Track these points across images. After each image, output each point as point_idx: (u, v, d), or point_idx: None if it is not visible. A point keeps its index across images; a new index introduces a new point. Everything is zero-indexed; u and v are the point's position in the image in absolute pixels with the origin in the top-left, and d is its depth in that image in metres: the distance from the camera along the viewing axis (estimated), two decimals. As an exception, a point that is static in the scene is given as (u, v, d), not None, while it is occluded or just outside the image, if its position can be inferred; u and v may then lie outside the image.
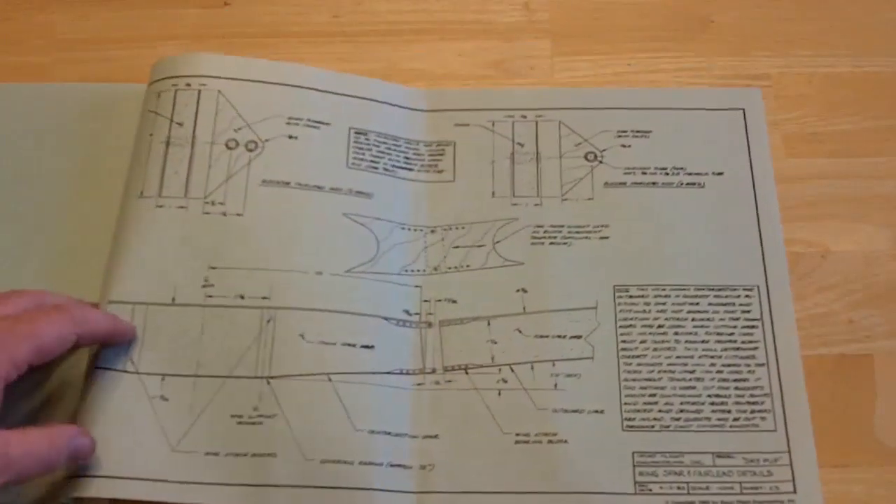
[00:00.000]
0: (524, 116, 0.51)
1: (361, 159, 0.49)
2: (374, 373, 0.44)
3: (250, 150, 0.48)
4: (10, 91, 0.53)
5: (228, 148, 0.48)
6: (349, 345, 0.44)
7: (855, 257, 0.48)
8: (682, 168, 0.50)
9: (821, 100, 0.53)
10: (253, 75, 0.49)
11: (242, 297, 0.45)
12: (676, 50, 0.54)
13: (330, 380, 0.44)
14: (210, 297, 0.45)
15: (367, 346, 0.45)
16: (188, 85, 0.49)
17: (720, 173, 0.50)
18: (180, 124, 0.48)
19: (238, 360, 0.44)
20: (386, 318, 0.46)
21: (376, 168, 0.49)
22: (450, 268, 0.48)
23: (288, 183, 0.47)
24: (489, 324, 0.46)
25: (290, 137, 0.48)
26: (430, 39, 0.55)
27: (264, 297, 0.45)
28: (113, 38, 0.54)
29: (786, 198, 0.50)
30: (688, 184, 0.49)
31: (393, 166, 0.50)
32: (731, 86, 0.53)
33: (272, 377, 0.43)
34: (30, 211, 0.49)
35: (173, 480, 0.41)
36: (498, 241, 0.48)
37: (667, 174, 0.50)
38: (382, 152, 0.50)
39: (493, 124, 0.51)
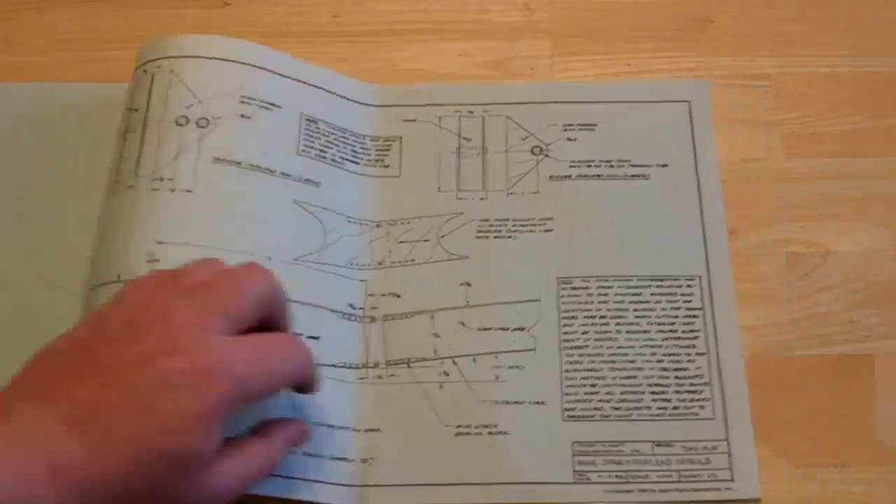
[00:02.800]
0: (471, 112, 0.51)
1: (311, 147, 0.49)
2: (319, 364, 0.44)
3: (201, 127, 0.47)
4: (10, 91, 0.53)
5: (178, 125, 0.47)
6: (296, 333, 0.44)
7: (855, 257, 0.48)
8: (626, 160, 0.50)
9: (821, 100, 0.53)
10: (206, 52, 0.48)
11: None
12: (676, 50, 0.54)
13: None
14: (155, 270, 0.43)
15: (313, 337, 0.44)
16: (144, 71, 0.48)
17: (665, 165, 0.50)
18: (136, 110, 0.47)
19: None
20: (331, 310, 0.46)
21: (325, 158, 0.49)
22: (394, 262, 0.48)
23: (240, 163, 0.46)
24: (433, 317, 0.46)
25: (243, 117, 0.47)
26: (430, 39, 0.55)
27: None
28: (113, 38, 0.54)
29: (786, 198, 0.50)
30: (632, 176, 0.50)
31: (341, 158, 0.50)
32: (732, 86, 0.53)
33: None
34: (30, 211, 0.49)
35: None
36: (443, 236, 0.48)
37: (611, 166, 0.50)
38: (331, 143, 0.50)
39: (440, 120, 0.51)
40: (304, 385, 0.40)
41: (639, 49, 0.54)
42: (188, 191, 0.45)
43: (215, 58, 0.48)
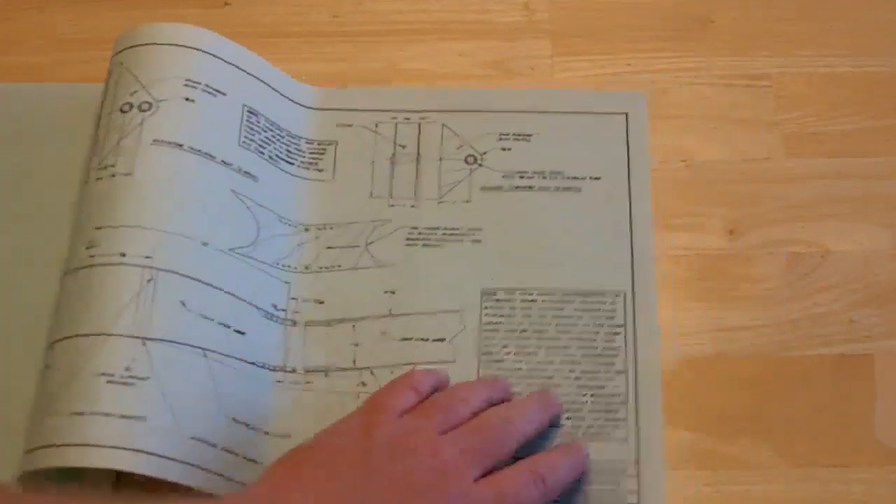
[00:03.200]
0: (408, 118, 0.51)
1: (251, 140, 0.48)
2: (243, 360, 0.44)
3: (143, 111, 0.46)
4: (10, 91, 0.53)
5: (122, 112, 0.46)
6: (225, 325, 0.44)
7: (855, 257, 0.48)
8: (559, 172, 0.50)
9: (821, 100, 0.53)
10: (152, 39, 0.48)
11: (124, 255, 0.43)
12: (676, 50, 0.54)
13: (205, 356, 0.43)
14: (92, 256, 0.43)
15: (239, 332, 0.44)
16: (108, 73, 0.49)
17: (598, 178, 0.50)
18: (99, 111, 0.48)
19: (114, 318, 0.42)
20: (257, 308, 0.45)
21: (263, 153, 0.49)
22: (321, 267, 0.48)
23: (181, 145, 0.46)
24: (354, 326, 0.46)
25: (187, 100, 0.47)
26: (430, 39, 0.55)
27: (147, 257, 0.43)
28: (113, 38, 0.54)
29: (786, 198, 0.50)
30: (564, 188, 0.49)
31: (277, 156, 0.49)
32: (732, 85, 0.53)
33: (149, 339, 0.41)
34: (30, 211, 0.49)
35: (42, 446, 0.39)
36: (371, 242, 0.48)
37: (544, 178, 0.50)
38: (269, 139, 0.49)
39: (377, 125, 0.51)
40: None
41: (639, 49, 0.54)
42: (128, 174, 0.45)
43: (161, 43, 0.48)
